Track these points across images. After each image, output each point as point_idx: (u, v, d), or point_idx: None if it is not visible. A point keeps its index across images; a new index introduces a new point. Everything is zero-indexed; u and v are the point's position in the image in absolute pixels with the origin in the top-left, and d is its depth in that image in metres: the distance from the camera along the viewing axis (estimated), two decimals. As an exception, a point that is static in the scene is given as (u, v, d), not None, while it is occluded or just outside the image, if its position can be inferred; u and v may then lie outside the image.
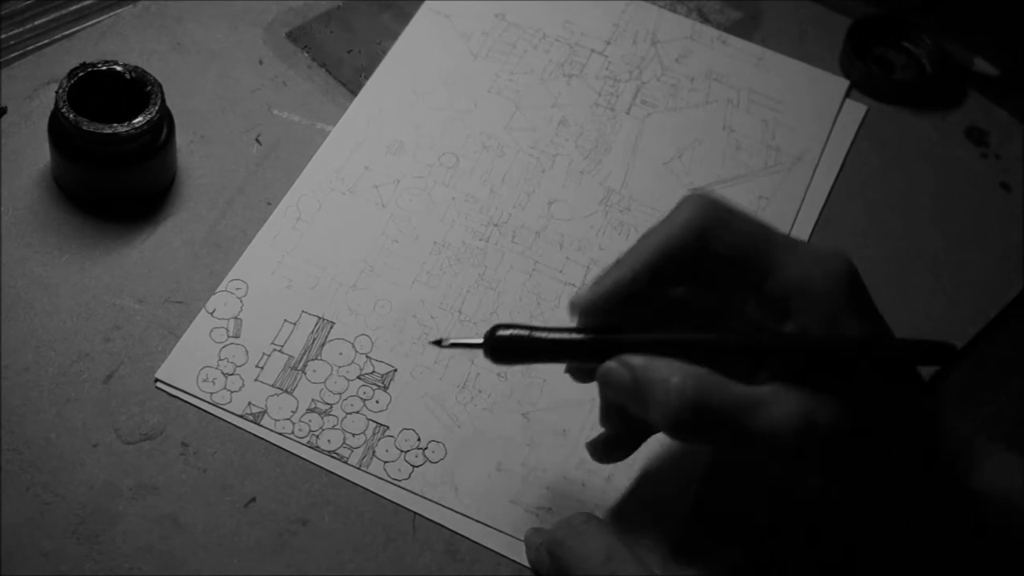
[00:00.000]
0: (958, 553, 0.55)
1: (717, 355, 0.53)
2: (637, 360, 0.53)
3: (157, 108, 0.66)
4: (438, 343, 0.58)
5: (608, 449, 0.59)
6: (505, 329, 0.55)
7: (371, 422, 0.63)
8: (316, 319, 0.66)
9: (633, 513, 0.62)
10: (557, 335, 0.55)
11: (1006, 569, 0.55)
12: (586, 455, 0.63)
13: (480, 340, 0.55)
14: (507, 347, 0.55)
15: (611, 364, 0.53)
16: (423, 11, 0.80)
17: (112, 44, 0.74)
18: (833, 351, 0.52)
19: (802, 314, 0.52)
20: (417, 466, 0.62)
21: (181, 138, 0.70)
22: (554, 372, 0.62)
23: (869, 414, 0.52)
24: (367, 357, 0.65)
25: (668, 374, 0.51)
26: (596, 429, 0.64)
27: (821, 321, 0.52)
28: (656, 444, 0.64)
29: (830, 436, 0.51)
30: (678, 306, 0.56)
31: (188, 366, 0.64)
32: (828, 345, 0.52)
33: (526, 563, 0.60)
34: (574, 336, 0.55)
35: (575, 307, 0.55)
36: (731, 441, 0.52)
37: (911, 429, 0.53)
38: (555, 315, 0.68)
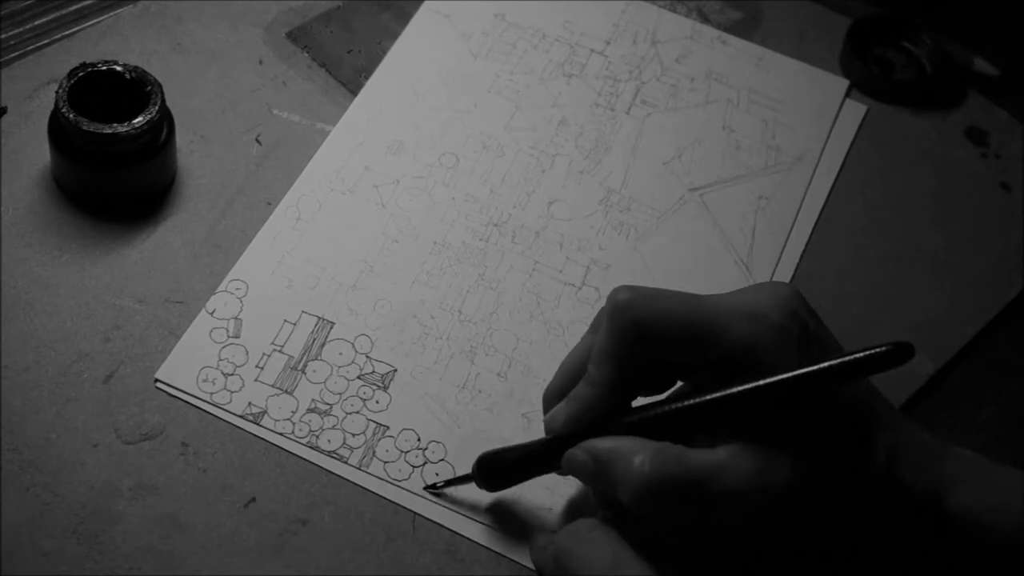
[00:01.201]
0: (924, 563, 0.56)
1: (673, 425, 0.55)
2: (597, 445, 0.55)
3: (157, 108, 0.66)
4: (431, 488, 0.61)
5: None
6: (487, 459, 0.59)
7: (371, 422, 0.63)
8: (316, 319, 0.66)
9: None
10: (531, 450, 0.58)
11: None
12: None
13: (470, 473, 0.60)
14: (488, 469, 0.59)
15: (573, 451, 0.56)
16: (423, 11, 0.80)
17: (112, 44, 0.74)
18: (778, 394, 0.53)
19: (752, 369, 0.54)
20: (417, 466, 0.62)
21: (181, 138, 0.70)
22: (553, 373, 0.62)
23: (824, 455, 0.53)
24: (367, 357, 0.65)
25: (628, 455, 0.54)
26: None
27: (769, 371, 0.53)
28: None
29: (785, 492, 0.52)
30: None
31: (188, 366, 0.64)
32: (772, 390, 0.53)
33: (526, 563, 0.60)
34: (542, 443, 0.58)
35: (549, 429, 0.58)
36: (694, 509, 0.53)
37: (866, 454, 0.54)
38: (555, 315, 0.68)
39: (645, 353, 0.55)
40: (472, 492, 0.61)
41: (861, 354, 0.52)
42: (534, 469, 0.59)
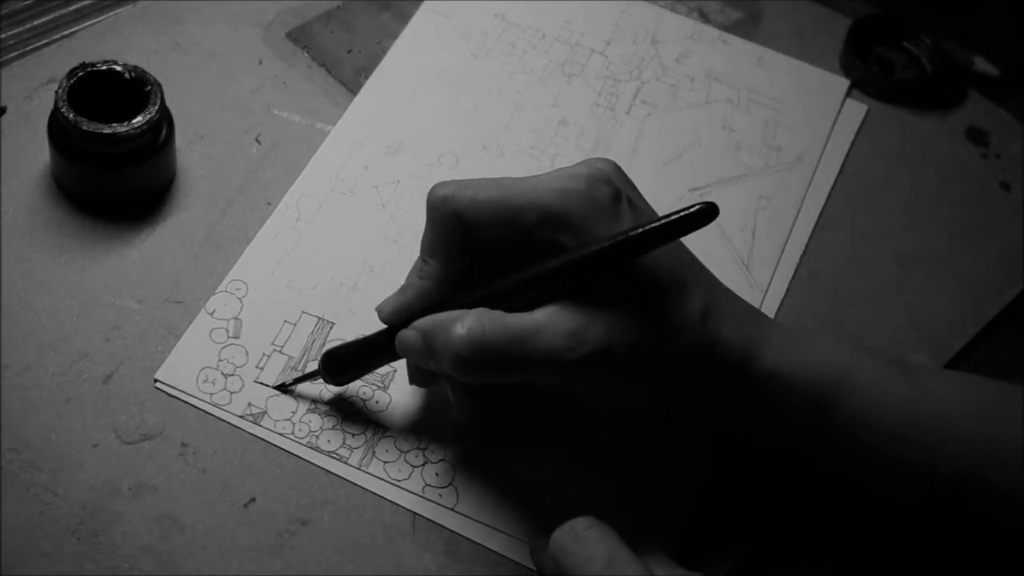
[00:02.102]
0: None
1: (492, 302, 0.57)
2: (421, 321, 0.58)
3: (157, 108, 0.66)
4: (282, 388, 0.63)
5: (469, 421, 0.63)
6: (330, 352, 0.62)
7: (371, 422, 0.63)
8: (316, 319, 0.66)
9: (632, 516, 0.62)
10: (366, 338, 0.61)
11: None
12: (587, 455, 0.63)
13: (315, 369, 0.62)
14: (332, 363, 0.62)
15: (403, 331, 0.59)
16: (423, 11, 0.80)
17: (112, 44, 0.74)
18: (588, 264, 0.56)
19: (568, 241, 0.56)
20: (417, 466, 0.62)
21: (181, 138, 0.70)
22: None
23: (635, 314, 0.56)
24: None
25: (448, 324, 0.56)
26: (598, 428, 0.65)
27: (585, 241, 0.56)
28: (654, 447, 0.64)
29: (598, 350, 0.55)
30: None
31: (188, 367, 0.63)
32: (581, 262, 0.56)
33: (526, 563, 0.60)
34: (380, 332, 0.61)
35: (380, 316, 0.61)
36: (515, 370, 0.56)
37: (682, 306, 0.57)
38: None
39: (467, 242, 0.58)
40: (477, 485, 0.61)
41: (663, 220, 0.54)
42: (373, 359, 0.62)
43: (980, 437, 0.58)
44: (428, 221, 0.59)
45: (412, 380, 0.62)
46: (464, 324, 0.56)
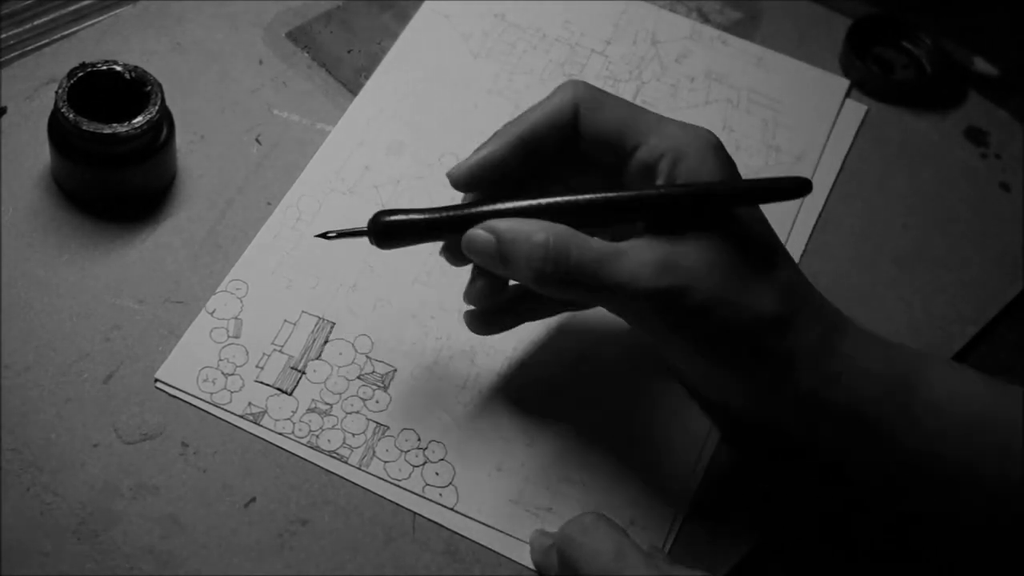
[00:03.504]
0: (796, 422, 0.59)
1: (582, 215, 0.57)
2: (501, 223, 0.57)
3: (157, 108, 0.66)
4: (324, 236, 0.61)
5: (485, 320, 0.62)
6: (385, 215, 0.59)
7: (371, 422, 0.63)
8: (316, 319, 0.66)
9: (632, 512, 0.62)
10: (432, 213, 0.59)
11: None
12: (587, 455, 0.63)
13: (364, 227, 0.59)
14: (388, 229, 0.59)
15: (475, 230, 0.57)
16: (423, 11, 0.80)
17: (112, 44, 0.74)
18: (689, 196, 0.56)
19: (670, 175, 0.57)
20: (417, 466, 0.62)
21: (181, 138, 0.70)
22: (553, 375, 0.62)
23: (723, 267, 0.56)
24: (367, 357, 0.65)
25: (531, 232, 0.56)
26: (598, 427, 0.65)
27: (686, 179, 0.57)
28: (655, 446, 0.64)
29: (676, 290, 0.55)
30: (555, 188, 0.59)
31: (188, 366, 0.64)
32: (683, 192, 0.56)
33: (526, 563, 0.60)
34: (447, 212, 0.59)
35: (451, 179, 0.59)
36: (593, 291, 0.56)
37: (765, 270, 0.57)
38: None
39: (574, 134, 0.58)
40: (477, 485, 0.61)
41: (767, 179, 0.57)
42: (429, 236, 0.59)
43: None
44: (550, 96, 0.59)
45: (443, 253, 0.61)
46: (549, 235, 0.55)
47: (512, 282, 0.61)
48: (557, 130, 0.58)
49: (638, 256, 0.55)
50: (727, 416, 0.64)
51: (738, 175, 0.59)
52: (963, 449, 0.57)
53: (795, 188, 0.57)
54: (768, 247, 0.58)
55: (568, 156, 0.59)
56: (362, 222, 0.70)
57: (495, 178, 0.59)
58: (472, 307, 0.62)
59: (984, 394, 0.58)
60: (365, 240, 0.70)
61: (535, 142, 0.59)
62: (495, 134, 0.59)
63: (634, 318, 0.58)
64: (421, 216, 0.59)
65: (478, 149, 0.59)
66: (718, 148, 0.58)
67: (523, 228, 0.56)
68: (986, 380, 0.59)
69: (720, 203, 0.57)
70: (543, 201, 0.57)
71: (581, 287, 0.56)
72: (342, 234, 0.60)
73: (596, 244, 0.55)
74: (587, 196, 0.57)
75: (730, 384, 0.59)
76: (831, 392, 0.57)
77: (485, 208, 0.58)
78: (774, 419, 0.60)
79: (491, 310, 0.62)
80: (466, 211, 0.58)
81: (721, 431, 0.64)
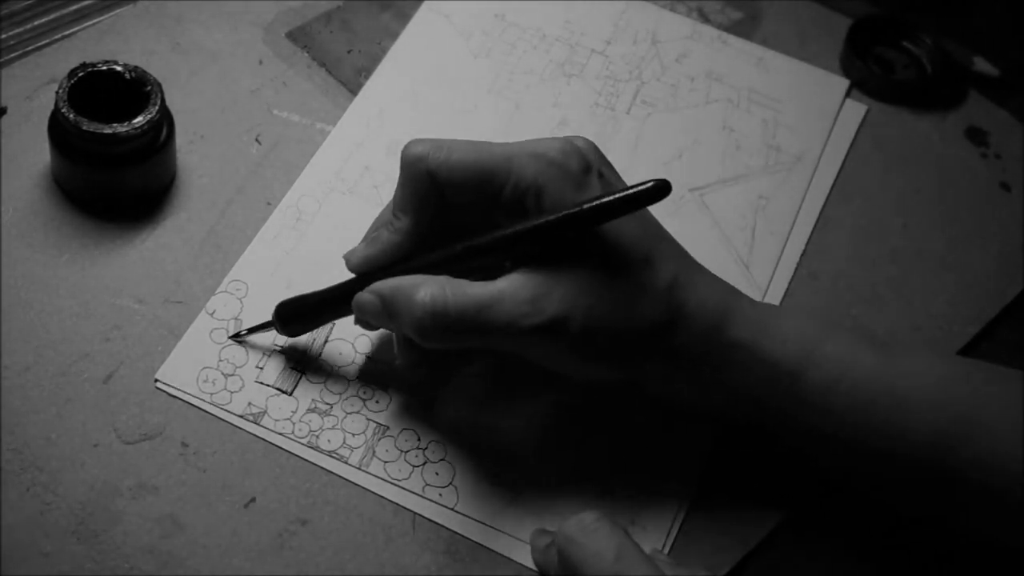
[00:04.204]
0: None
1: (456, 263, 0.58)
2: (381, 285, 0.59)
3: (157, 108, 0.66)
4: (236, 337, 0.64)
5: (414, 374, 0.64)
6: (284, 303, 0.63)
7: (371, 422, 0.63)
8: (316, 319, 0.66)
9: (633, 514, 0.62)
10: (325, 293, 0.62)
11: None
12: (587, 455, 0.63)
13: (270, 320, 0.63)
14: (290, 313, 0.62)
15: (361, 294, 0.60)
16: (423, 11, 0.80)
17: (112, 44, 0.74)
18: (554, 231, 0.57)
19: (538, 208, 0.58)
20: (417, 466, 0.62)
21: (181, 138, 0.70)
22: (554, 376, 0.62)
23: (597, 283, 0.57)
24: (367, 357, 0.65)
25: (410, 288, 0.57)
26: (599, 427, 0.65)
27: (553, 208, 0.57)
28: (655, 446, 0.64)
29: (558, 318, 0.56)
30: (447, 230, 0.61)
31: (188, 366, 0.64)
32: (545, 228, 0.57)
33: (526, 563, 0.60)
34: (337, 287, 0.62)
35: (348, 265, 0.62)
36: (475, 338, 0.57)
37: (644, 276, 0.58)
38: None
39: (438, 200, 0.59)
40: (477, 485, 0.61)
41: (620, 192, 0.56)
42: (328, 313, 0.62)
43: (950, 406, 0.58)
44: (401, 177, 0.60)
45: (357, 322, 0.63)
46: (427, 291, 0.57)
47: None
48: (425, 203, 0.60)
49: (514, 295, 0.56)
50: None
51: (610, 182, 0.59)
52: (851, 424, 0.59)
53: (654, 192, 0.56)
54: (642, 253, 0.58)
55: (442, 212, 0.60)
56: (362, 222, 0.70)
57: (388, 265, 0.61)
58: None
59: (872, 368, 0.59)
60: (363, 239, 0.70)
61: (417, 227, 0.60)
62: (387, 229, 0.61)
63: (523, 352, 0.59)
64: (316, 296, 0.62)
65: (372, 240, 0.61)
66: (573, 167, 0.58)
67: (403, 285, 0.58)
68: (878, 354, 0.60)
69: (582, 226, 0.57)
70: (415, 262, 0.59)
71: (465, 335, 0.57)
72: (252, 330, 0.64)
73: (473, 291, 0.57)
74: (458, 246, 0.59)
75: (629, 379, 0.61)
76: (721, 376, 0.59)
77: (371, 275, 0.60)
78: (677, 399, 0.62)
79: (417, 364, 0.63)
80: (354, 285, 0.61)
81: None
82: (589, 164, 0.59)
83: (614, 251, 0.58)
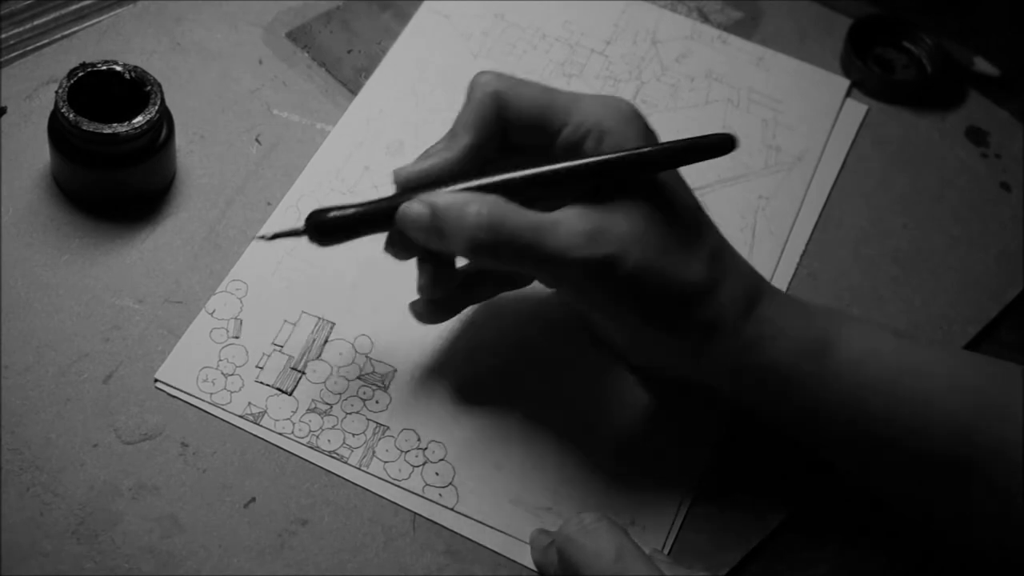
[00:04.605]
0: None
1: (514, 191, 0.58)
2: (434, 195, 0.58)
3: (157, 108, 0.66)
4: (262, 238, 0.61)
5: (431, 308, 0.62)
6: (321, 212, 0.59)
7: (371, 422, 0.63)
8: (316, 319, 0.66)
9: (633, 514, 0.62)
10: (367, 206, 0.59)
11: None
12: (587, 455, 0.63)
13: (302, 227, 0.59)
14: (325, 225, 0.59)
15: (409, 203, 0.58)
16: (423, 11, 0.80)
17: (112, 44, 0.74)
18: (615, 163, 0.57)
19: (596, 151, 0.58)
20: (417, 466, 0.62)
21: (181, 138, 0.70)
22: (554, 376, 0.62)
23: (652, 237, 0.57)
24: (367, 357, 0.65)
25: (465, 202, 0.57)
26: (599, 427, 0.65)
27: (611, 150, 0.58)
28: (655, 446, 0.64)
29: (608, 258, 0.56)
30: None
31: (188, 366, 0.63)
32: (609, 160, 0.57)
33: (526, 563, 0.60)
34: (381, 199, 0.59)
35: (397, 180, 0.60)
36: (526, 260, 0.57)
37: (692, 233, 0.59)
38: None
39: (501, 127, 0.59)
40: (477, 485, 0.61)
41: (688, 140, 0.58)
42: (366, 226, 0.59)
43: (969, 392, 0.59)
44: (467, 100, 0.60)
45: (388, 246, 0.61)
46: (483, 205, 0.56)
47: (460, 264, 0.62)
48: (488, 125, 0.60)
49: (570, 226, 0.56)
50: (650, 372, 0.65)
51: (653, 136, 0.61)
52: (878, 401, 0.59)
53: (719, 144, 0.58)
54: (693, 215, 0.60)
55: (499, 145, 0.60)
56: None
57: (438, 183, 0.60)
58: (417, 298, 0.62)
59: (895, 349, 0.60)
60: (365, 239, 0.70)
61: (475, 148, 0.60)
62: (444, 144, 0.60)
63: (568, 287, 0.59)
64: (356, 209, 0.59)
65: (425, 155, 0.60)
66: (636, 117, 0.60)
67: (457, 199, 0.57)
68: (899, 338, 0.61)
69: (646, 168, 0.58)
70: (475, 183, 0.58)
71: (516, 256, 0.57)
72: (279, 235, 0.60)
73: (530, 214, 0.57)
74: (518, 172, 0.58)
75: (657, 347, 0.61)
76: (751, 353, 0.59)
77: (419, 190, 0.59)
78: (696, 376, 0.62)
79: (439, 299, 0.62)
80: (398, 199, 0.59)
81: (643, 385, 0.65)
82: (645, 123, 0.60)
83: (668, 206, 0.59)
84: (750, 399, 0.62)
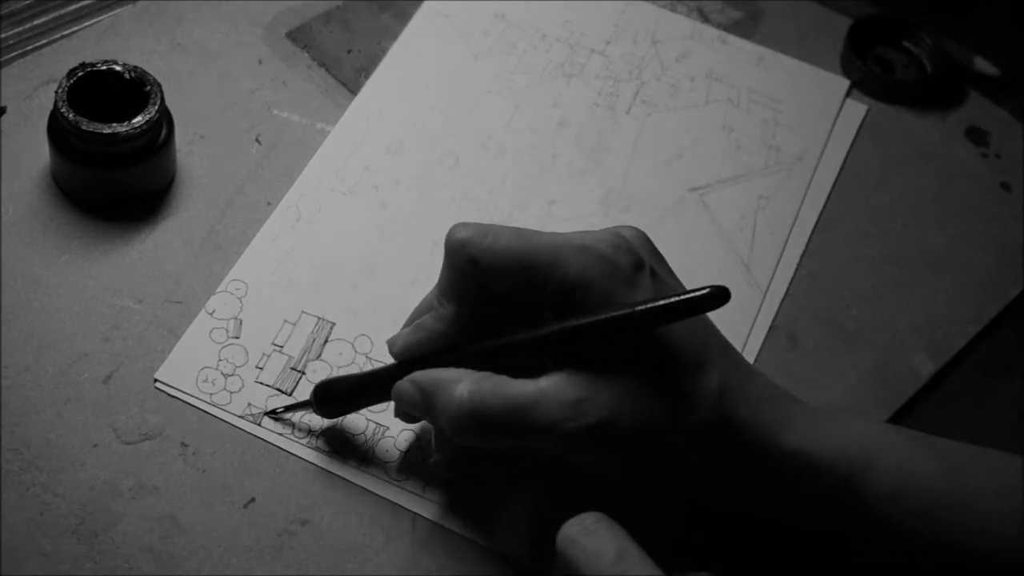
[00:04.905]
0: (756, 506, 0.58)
1: (498, 357, 0.56)
2: (421, 376, 0.57)
3: (157, 108, 0.65)
4: (272, 414, 0.62)
5: (446, 468, 0.62)
6: (326, 386, 0.61)
7: (371, 422, 0.63)
8: (316, 319, 0.66)
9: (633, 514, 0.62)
10: (367, 378, 0.60)
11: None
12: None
13: (309, 399, 0.61)
14: (325, 396, 0.61)
15: (401, 383, 0.58)
16: (423, 11, 0.80)
17: (112, 44, 0.74)
18: (598, 331, 0.54)
19: (584, 304, 0.55)
20: (417, 466, 0.62)
21: (181, 138, 0.70)
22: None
23: (644, 390, 0.54)
24: (367, 357, 0.65)
25: (449, 385, 0.55)
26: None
27: (601, 305, 0.54)
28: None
29: (600, 424, 0.53)
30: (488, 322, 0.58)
31: (188, 367, 0.63)
32: (591, 328, 0.54)
33: (526, 564, 0.60)
34: (378, 371, 0.60)
35: (392, 352, 0.60)
36: (513, 438, 0.55)
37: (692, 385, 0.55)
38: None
39: (482, 288, 0.57)
40: (477, 485, 0.61)
41: (676, 297, 0.53)
42: (367, 398, 0.60)
43: (1017, 513, 0.56)
44: (445, 263, 0.58)
45: (397, 414, 0.61)
46: (465, 388, 0.55)
47: None
48: (469, 292, 0.57)
49: (556, 397, 0.54)
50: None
51: (662, 280, 0.56)
52: (910, 536, 0.56)
53: (710, 299, 0.52)
54: (691, 357, 0.55)
55: (491, 301, 0.57)
56: (362, 222, 0.71)
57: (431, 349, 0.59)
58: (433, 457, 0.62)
59: (934, 476, 0.57)
60: (366, 240, 0.70)
61: (461, 314, 0.58)
62: (432, 315, 0.58)
63: (564, 454, 0.57)
64: (357, 380, 0.61)
65: (417, 327, 0.59)
66: (623, 268, 0.55)
67: (443, 377, 0.56)
68: (937, 457, 0.57)
69: (630, 331, 0.54)
70: (457, 353, 0.57)
71: (501, 437, 0.55)
72: (290, 408, 0.62)
73: (514, 391, 0.54)
74: (496, 343, 0.56)
75: (673, 487, 0.59)
76: (779, 488, 0.56)
77: (413, 363, 0.58)
78: (730, 503, 0.60)
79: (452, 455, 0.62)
80: (393, 368, 0.59)
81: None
82: (640, 260, 0.55)
83: (663, 354, 0.54)
84: (781, 516, 0.59)
